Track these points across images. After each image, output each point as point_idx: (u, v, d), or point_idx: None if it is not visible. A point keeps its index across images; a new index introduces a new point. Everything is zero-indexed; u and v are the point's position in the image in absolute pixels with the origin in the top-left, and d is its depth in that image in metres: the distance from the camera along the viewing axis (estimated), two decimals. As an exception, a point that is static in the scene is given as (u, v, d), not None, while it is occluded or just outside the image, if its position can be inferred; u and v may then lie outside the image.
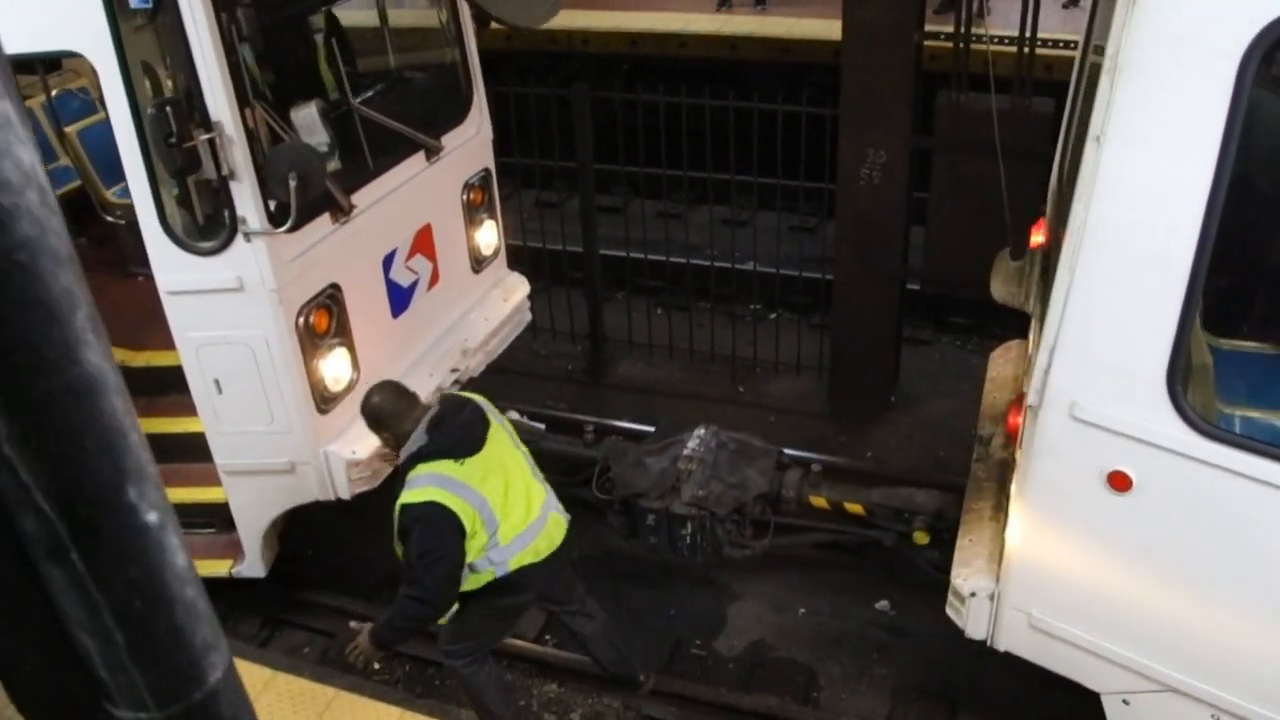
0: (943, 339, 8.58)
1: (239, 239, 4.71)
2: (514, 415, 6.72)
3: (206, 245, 4.77)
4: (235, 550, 5.67)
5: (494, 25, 6.86)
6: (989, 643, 4.41)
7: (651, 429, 6.58)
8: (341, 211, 5.18)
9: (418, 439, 4.38)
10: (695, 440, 5.90)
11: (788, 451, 6.11)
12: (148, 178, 4.62)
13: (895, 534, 5.63)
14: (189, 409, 5.23)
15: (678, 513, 5.64)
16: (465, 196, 6.31)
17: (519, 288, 6.92)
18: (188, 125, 4.39)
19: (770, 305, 8.77)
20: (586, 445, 6.32)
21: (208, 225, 4.82)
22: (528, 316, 7.01)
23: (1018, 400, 4.44)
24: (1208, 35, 3.06)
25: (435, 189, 6.01)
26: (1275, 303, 4.52)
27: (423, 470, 4.31)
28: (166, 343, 5.07)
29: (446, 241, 6.14)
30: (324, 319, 5.17)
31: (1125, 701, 4.09)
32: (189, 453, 5.37)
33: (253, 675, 4.93)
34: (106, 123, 4.71)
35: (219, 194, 4.67)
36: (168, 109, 4.30)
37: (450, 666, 5.06)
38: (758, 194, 9.11)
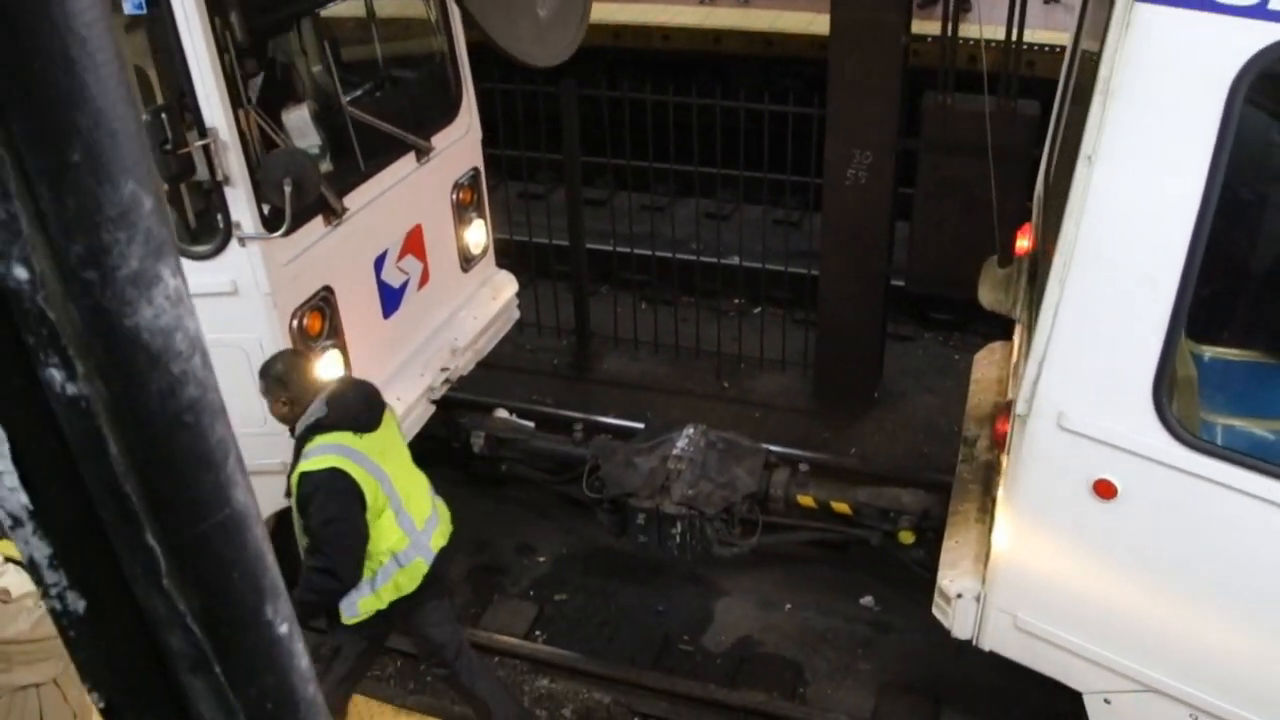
0: (925, 335, 8.69)
1: (233, 243, 4.72)
2: (502, 413, 6.78)
3: (201, 250, 4.78)
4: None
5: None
6: (974, 642, 4.51)
7: (639, 425, 6.65)
8: (334, 214, 5.19)
9: (316, 410, 4.33)
10: (684, 439, 5.98)
11: (775, 450, 6.20)
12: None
13: (881, 533, 5.73)
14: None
15: (668, 512, 5.71)
16: (455, 196, 6.33)
17: (507, 286, 6.95)
18: (182, 131, 4.40)
19: (755, 300, 8.84)
20: (576, 443, 6.38)
21: (202, 230, 4.82)
22: (516, 314, 7.05)
23: (1004, 408, 4.53)
24: (1199, 60, 3.14)
25: (425, 189, 6.03)
26: (1258, 310, 4.63)
27: (321, 440, 4.27)
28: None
29: (436, 241, 6.16)
30: (317, 321, 5.19)
31: (1106, 701, 4.20)
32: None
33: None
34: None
35: (213, 199, 4.67)
36: (162, 115, 4.30)
37: (443, 675, 5.07)
38: (742, 187, 9.16)
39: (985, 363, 5.86)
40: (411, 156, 5.85)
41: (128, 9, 4.38)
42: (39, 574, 0.75)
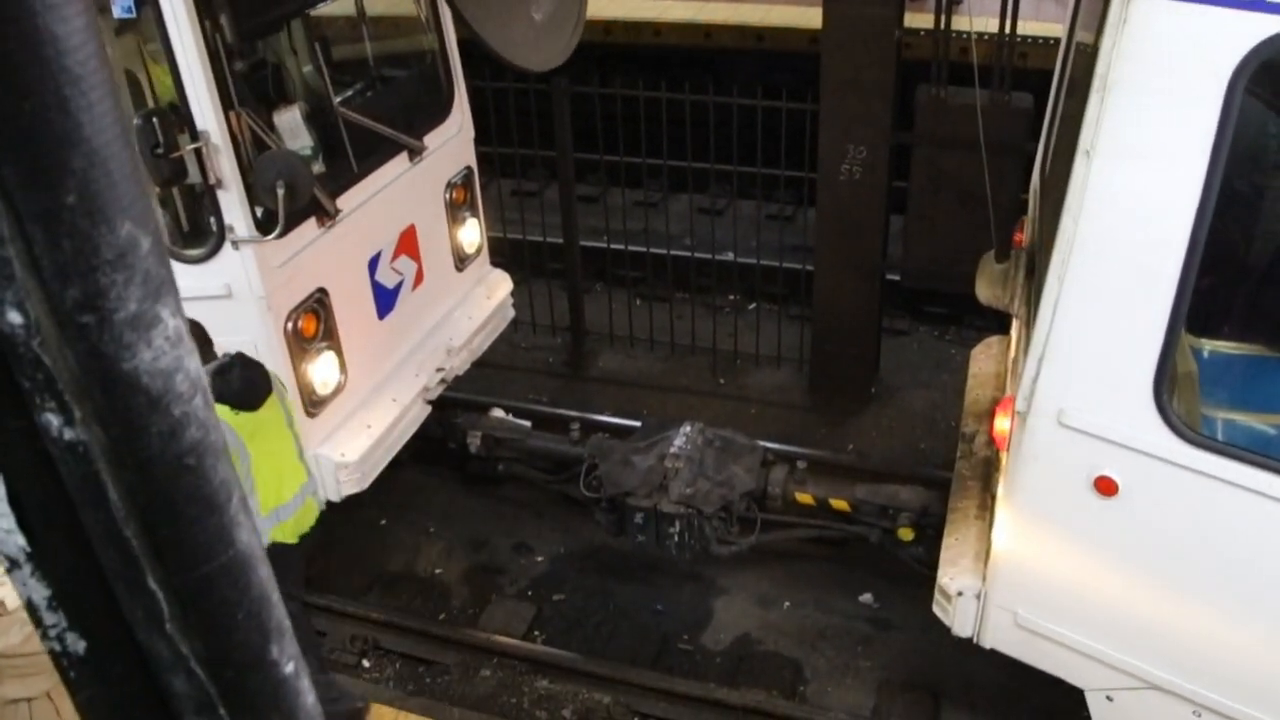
0: (920, 329, 8.67)
1: (227, 246, 4.70)
2: (498, 412, 6.76)
3: (194, 253, 4.75)
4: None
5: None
6: (975, 640, 4.50)
7: (636, 423, 6.62)
8: (327, 215, 5.16)
9: None
10: (681, 438, 5.96)
11: (772, 447, 6.18)
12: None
13: (880, 530, 5.72)
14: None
15: (666, 511, 5.69)
16: (448, 195, 6.30)
17: (501, 284, 6.93)
18: (174, 135, 4.36)
19: (750, 296, 8.82)
20: (573, 442, 6.36)
21: (195, 233, 4.79)
22: (511, 313, 7.03)
23: (1003, 403, 4.51)
24: (1198, 54, 3.12)
25: (419, 189, 6.00)
26: (1259, 304, 4.62)
27: None
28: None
29: (430, 241, 6.14)
30: (312, 323, 5.17)
31: (1109, 698, 4.20)
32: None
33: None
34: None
35: (205, 202, 4.64)
36: (154, 119, 4.27)
37: None
38: (736, 183, 9.13)
39: (982, 357, 5.85)
40: (404, 156, 5.82)
41: (117, 12, 4.35)
42: (38, 615, 0.73)
